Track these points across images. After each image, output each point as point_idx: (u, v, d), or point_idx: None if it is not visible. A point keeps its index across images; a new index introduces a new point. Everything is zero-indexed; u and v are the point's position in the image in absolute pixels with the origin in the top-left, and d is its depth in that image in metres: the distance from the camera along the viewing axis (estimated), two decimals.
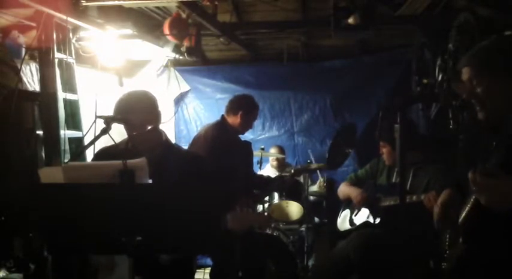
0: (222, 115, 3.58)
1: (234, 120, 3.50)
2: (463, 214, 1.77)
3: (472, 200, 1.69)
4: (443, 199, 2.01)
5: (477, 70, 1.71)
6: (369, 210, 3.42)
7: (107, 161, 1.86)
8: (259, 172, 4.63)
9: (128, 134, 2.28)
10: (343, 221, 3.69)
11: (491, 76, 1.71)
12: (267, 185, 3.92)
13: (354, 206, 3.57)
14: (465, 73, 1.73)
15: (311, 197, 4.74)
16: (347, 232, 3.54)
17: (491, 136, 1.79)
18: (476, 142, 1.88)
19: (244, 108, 3.50)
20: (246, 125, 3.56)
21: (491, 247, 1.69)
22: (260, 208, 4.26)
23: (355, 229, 3.49)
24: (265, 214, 4.12)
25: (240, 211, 2.06)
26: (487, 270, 1.73)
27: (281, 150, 5.31)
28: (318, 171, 4.81)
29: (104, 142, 2.28)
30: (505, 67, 1.69)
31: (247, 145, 3.73)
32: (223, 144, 3.37)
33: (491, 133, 1.78)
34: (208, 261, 4.31)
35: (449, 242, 1.92)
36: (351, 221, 3.56)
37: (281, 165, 5.25)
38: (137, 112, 2.24)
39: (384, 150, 3.40)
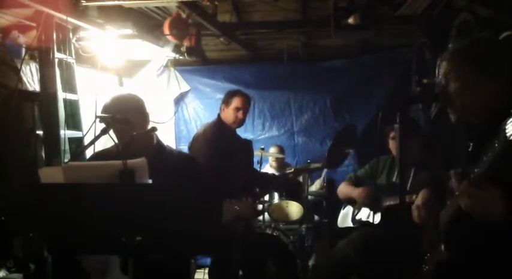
0: (218, 114, 3.61)
1: (224, 115, 3.54)
2: (445, 219, 1.76)
3: (454, 204, 1.68)
4: (420, 200, 1.99)
5: (458, 66, 1.68)
6: (371, 208, 3.41)
7: (107, 161, 1.86)
8: None
9: (118, 137, 2.26)
10: (343, 220, 3.68)
11: (472, 74, 1.68)
12: (270, 183, 3.91)
13: (356, 205, 3.57)
14: (444, 68, 1.71)
15: (311, 197, 4.74)
16: (347, 230, 3.53)
17: (468, 136, 1.78)
18: (452, 142, 1.87)
19: (224, 100, 3.55)
20: (233, 117, 3.51)
21: (473, 254, 1.67)
22: (260, 207, 4.26)
23: (355, 228, 3.49)
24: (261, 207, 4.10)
25: (224, 203, 2.06)
26: (468, 276, 1.72)
27: (281, 150, 5.31)
28: (324, 171, 4.80)
29: (103, 142, 2.28)
30: (485, 66, 1.68)
31: (248, 143, 3.73)
32: (220, 141, 3.38)
33: (468, 134, 1.77)
34: (209, 261, 4.31)
35: (429, 244, 1.91)
36: (353, 219, 3.55)
37: (281, 165, 5.24)
38: (126, 114, 2.23)
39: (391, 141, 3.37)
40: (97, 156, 2.40)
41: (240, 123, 3.57)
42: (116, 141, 2.10)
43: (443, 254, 1.77)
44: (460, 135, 1.84)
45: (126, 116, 2.21)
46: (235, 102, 3.52)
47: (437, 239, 1.84)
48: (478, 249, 1.66)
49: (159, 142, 2.44)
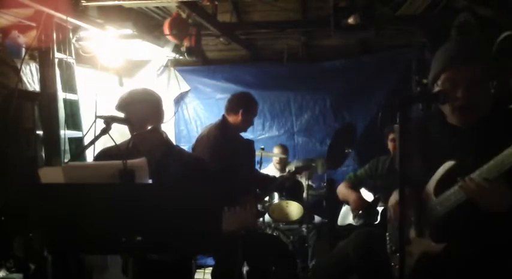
0: (223, 115, 3.58)
1: (235, 119, 3.50)
2: (439, 212, 1.77)
3: (453, 199, 1.71)
4: (394, 200, 2.00)
5: (483, 70, 1.71)
6: (365, 216, 3.41)
7: (107, 161, 1.86)
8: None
9: (130, 132, 2.28)
10: (344, 219, 3.69)
11: (490, 77, 1.72)
12: (270, 184, 3.91)
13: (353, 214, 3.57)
14: (469, 72, 1.70)
15: (311, 197, 4.73)
16: (347, 228, 3.54)
17: (454, 134, 1.79)
18: (433, 140, 1.88)
19: (244, 106, 3.50)
20: (247, 122, 3.55)
21: (473, 245, 1.70)
22: (260, 207, 4.26)
23: (355, 228, 3.49)
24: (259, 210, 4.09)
25: (227, 213, 2.06)
26: (464, 269, 1.74)
27: (284, 149, 5.29)
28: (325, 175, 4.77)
29: (103, 142, 2.28)
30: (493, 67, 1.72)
31: (250, 143, 3.72)
32: (226, 143, 3.36)
33: (455, 131, 1.79)
34: (209, 261, 4.31)
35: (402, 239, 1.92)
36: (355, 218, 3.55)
37: (284, 165, 5.23)
38: (140, 109, 2.25)
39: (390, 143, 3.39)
40: (104, 153, 2.40)
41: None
42: (115, 141, 2.11)
43: (433, 246, 1.79)
44: (440, 135, 1.85)
45: (134, 113, 2.22)
46: (255, 110, 3.58)
47: (419, 234, 1.85)
48: (478, 241, 1.69)
49: (167, 141, 2.44)
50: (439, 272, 1.81)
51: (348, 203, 3.67)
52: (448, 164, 1.76)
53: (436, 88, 1.77)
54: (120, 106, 2.29)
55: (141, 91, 2.38)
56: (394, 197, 1.98)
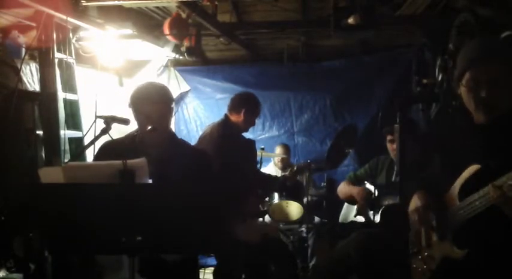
0: (225, 114, 3.57)
1: (237, 118, 3.49)
2: (462, 217, 1.76)
3: (478, 204, 1.68)
4: (414, 205, 1.96)
5: (506, 70, 1.72)
6: (370, 207, 3.42)
7: (107, 161, 1.86)
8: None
9: (139, 128, 2.29)
10: (346, 215, 3.69)
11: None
12: (271, 184, 3.91)
13: (357, 205, 3.57)
14: (492, 72, 1.72)
15: (311, 197, 4.73)
16: (348, 226, 3.54)
17: (477, 134, 1.78)
18: (455, 141, 1.88)
19: (246, 106, 3.49)
20: (249, 122, 3.54)
21: (496, 253, 1.69)
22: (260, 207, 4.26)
23: (355, 228, 3.49)
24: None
25: (249, 223, 2.07)
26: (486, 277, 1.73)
27: (286, 149, 5.29)
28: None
29: (103, 142, 2.29)
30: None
31: (251, 143, 3.71)
32: (228, 142, 3.36)
33: (479, 132, 1.78)
34: (209, 261, 4.31)
35: (426, 242, 1.92)
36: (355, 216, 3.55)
37: (285, 164, 5.23)
38: (152, 104, 2.26)
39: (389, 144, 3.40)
40: (108, 146, 2.39)
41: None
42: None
43: (455, 252, 1.77)
44: (464, 134, 1.85)
45: (147, 107, 2.23)
46: (258, 110, 3.57)
47: (441, 237, 1.85)
48: (501, 248, 1.67)
49: (172, 134, 2.45)
50: (461, 277, 1.79)
51: (349, 202, 3.66)
52: (473, 168, 1.74)
53: (461, 87, 1.78)
54: (132, 102, 2.30)
55: (152, 87, 2.39)
56: (414, 204, 1.96)
